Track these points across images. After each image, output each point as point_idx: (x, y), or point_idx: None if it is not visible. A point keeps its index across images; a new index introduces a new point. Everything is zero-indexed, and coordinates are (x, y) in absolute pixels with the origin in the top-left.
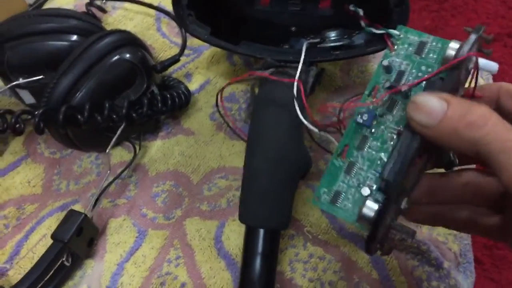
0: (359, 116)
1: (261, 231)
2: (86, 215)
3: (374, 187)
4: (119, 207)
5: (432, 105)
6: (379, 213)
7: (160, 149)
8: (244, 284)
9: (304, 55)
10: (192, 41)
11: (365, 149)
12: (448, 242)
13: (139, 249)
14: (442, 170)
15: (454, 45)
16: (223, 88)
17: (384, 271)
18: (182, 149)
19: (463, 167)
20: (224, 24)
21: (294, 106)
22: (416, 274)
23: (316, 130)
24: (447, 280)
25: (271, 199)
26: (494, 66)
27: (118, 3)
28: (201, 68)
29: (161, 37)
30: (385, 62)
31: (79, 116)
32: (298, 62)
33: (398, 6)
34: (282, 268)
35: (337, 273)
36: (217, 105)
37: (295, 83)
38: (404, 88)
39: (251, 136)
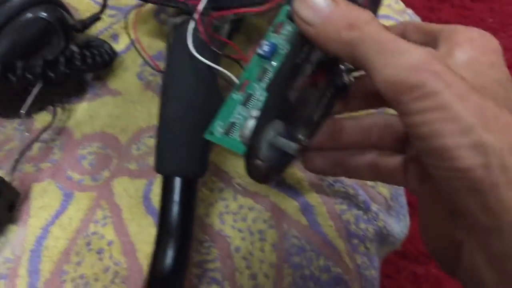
0: (261, 47)
1: (177, 180)
2: (2, 178)
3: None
4: (43, 171)
5: (319, 1)
6: (255, 127)
7: (86, 111)
8: (161, 232)
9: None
10: (119, 1)
11: (264, 81)
12: (377, 186)
13: (64, 212)
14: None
15: None
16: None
17: (312, 217)
18: (109, 110)
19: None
20: None
21: (205, 50)
22: (344, 217)
23: (211, 63)
24: (376, 222)
25: (185, 147)
26: None
27: None
28: (128, 28)
29: None
30: None
31: None
32: (212, 9)
33: None
34: (211, 221)
35: (266, 222)
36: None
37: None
38: None
39: (164, 84)
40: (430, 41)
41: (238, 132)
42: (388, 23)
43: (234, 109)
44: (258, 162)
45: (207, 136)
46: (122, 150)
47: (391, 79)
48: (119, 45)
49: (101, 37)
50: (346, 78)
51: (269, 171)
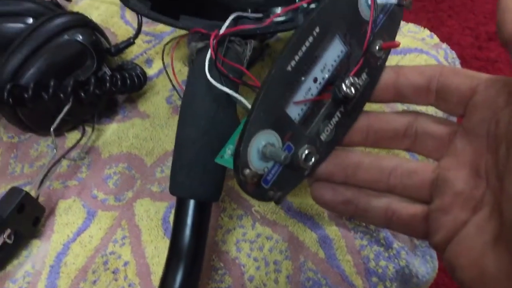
0: None
1: (191, 203)
2: (27, 192)
3: None
4: (70, 188)
5: None
6: (241, 132)
7: (115, 132)
8: (172, 255)
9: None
10: (155, 28)
11: None
12: None
13: (86, 229)
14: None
15: None
16: (167, 43)
17: (331, 250)
18: (137, 132)
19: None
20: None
21: (224, 76)
22: (363, 253)
23: (225, 88)
24: (397, 260)
25: (200, 169)
26: None
27: None
28: (162, 54)
29: (124, 24)
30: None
31: (25, 95)
32: (239, 35)
33: None
34: (228, 248)
35: (283, 252)
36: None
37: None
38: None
39: (183, 106)
40: (476, 86)
41: None
42: (421, 57)
43: None
44: (246, 170)
45: (217, 160)
46: (147, 171)
47: None
48: (152, 70)
49: (136, 61)
50: (347, 89)
51: (259, 182)
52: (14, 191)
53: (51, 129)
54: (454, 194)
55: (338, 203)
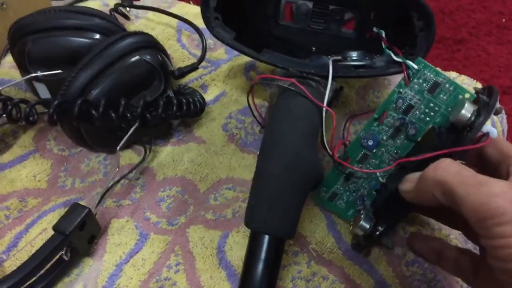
0: (365, 140)
1: (266, 238)
2: (90, 209)
3: (367, 202)
4: (123, 208)
5: (411, 176)
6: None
7: (169, 155)
8: None
9: (331, 71)
10: (211, 54)
11: (365, 164)
12: None
13: (139, 252)
14: None
15: (469, 108)
16: (255, 82)
17: None
18: (192, 157)
19: None
20: (249, 31)
21: (312, 116)
22: None
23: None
24: None
25: (280, 206)
26: (494, 132)
27: (141, 13)
28: (217, 81)
29: (180, 48)
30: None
31: (94, 112)
32: (320, 75)
33: (423, 31)
34: (284, 284)
35: None
36: (248, 103)
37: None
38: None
39: (266, 141)
40: (503, 159)
41: (339, 201)
42: None
43: (337, 181)
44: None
45: (314, 198)
46: (200, 198)
47: (474, 206)
48: (208, 96)
49: (191, 85)
50: None
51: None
52: (77, 207)
53: (117, 148)
54: None
55: (425, 251)
